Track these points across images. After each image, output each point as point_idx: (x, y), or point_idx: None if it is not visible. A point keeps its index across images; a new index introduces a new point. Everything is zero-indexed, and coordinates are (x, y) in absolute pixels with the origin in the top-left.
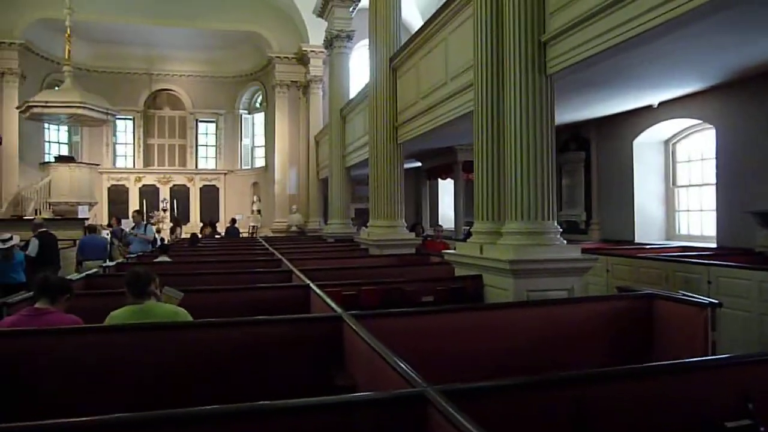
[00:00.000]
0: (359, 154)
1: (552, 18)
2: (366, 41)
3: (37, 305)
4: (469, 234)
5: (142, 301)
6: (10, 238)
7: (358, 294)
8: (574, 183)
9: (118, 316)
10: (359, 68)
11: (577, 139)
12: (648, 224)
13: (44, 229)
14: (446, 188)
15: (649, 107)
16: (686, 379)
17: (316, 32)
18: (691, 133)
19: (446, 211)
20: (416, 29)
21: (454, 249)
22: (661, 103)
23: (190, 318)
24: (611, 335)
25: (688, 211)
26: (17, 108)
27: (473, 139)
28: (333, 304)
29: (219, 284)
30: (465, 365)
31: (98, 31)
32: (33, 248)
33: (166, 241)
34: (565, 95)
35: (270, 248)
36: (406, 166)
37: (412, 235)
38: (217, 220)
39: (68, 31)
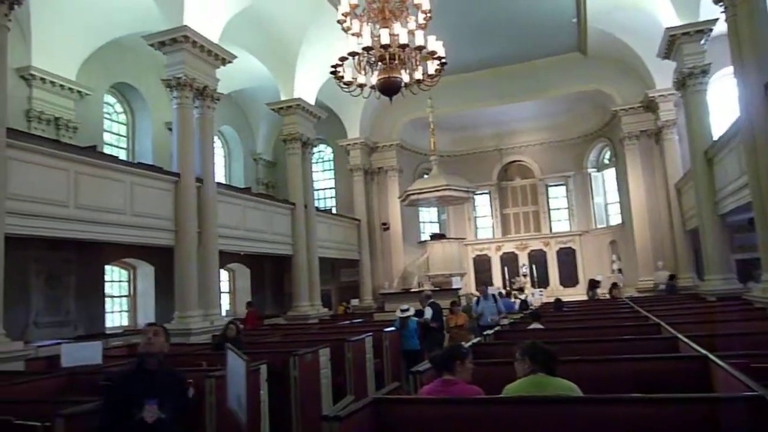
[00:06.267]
0: (736, 198)
1: None
2: (723, 71)
3: (444, 377)
4: None
5: (536, 373)
6: (408, 309)
7: None
8: None
9: (513, 389)
10: (719, 102)
11: None
12: None
13: (432, 300)
14: None
15: None
16: None
17: (661, 75)
18: None
19: None
20: None
21: None
22: None
23: (579, 392)
24: None
25: None
26: (399, 198)
27: None
28: (750, 382)
29: (587, 354)
30: None
31: (453, 120)
32: (429, 315)
33: (530, 306)
34: None
35: (641, 310)
36: None
37: None
38: (577, 282)
39: (431, 126)
